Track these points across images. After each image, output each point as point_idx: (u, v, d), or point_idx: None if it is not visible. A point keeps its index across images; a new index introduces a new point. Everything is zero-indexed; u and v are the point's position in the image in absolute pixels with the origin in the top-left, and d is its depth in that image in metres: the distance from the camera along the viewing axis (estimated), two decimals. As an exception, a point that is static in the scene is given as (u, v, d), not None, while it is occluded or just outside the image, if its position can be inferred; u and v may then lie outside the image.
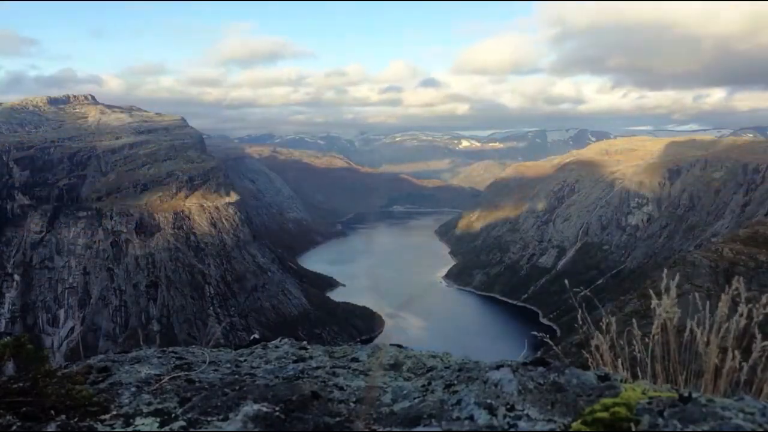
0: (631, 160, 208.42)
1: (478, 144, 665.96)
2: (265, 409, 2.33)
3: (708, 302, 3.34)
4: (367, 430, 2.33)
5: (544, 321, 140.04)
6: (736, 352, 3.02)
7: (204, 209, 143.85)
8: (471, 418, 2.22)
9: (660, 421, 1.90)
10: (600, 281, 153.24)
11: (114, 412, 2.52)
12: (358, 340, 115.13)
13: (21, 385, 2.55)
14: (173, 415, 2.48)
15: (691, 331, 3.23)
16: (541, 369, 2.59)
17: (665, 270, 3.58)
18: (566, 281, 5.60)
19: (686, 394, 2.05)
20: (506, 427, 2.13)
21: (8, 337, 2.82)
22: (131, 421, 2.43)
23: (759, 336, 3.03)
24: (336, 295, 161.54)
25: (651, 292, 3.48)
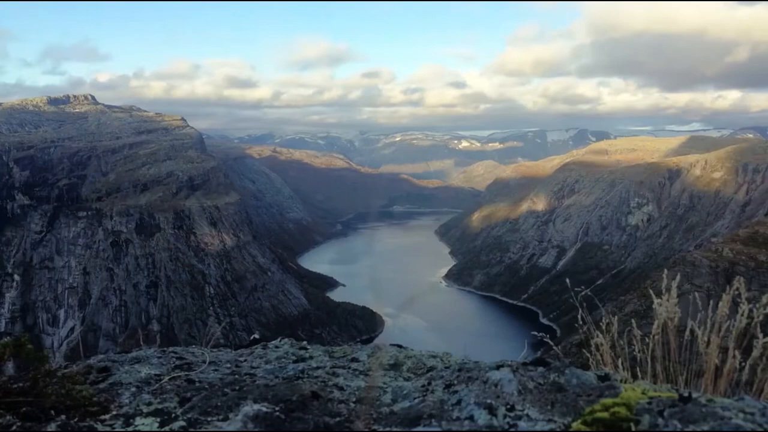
0: (631, 160, 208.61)
1: (478, 144, 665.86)
2: (265, 409, 2.33)
3: (709, 302, 3.35)
4: (367, 430, 2.33)
5: (544, 321, 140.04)
6: (737, 352, 3.02)
7: (204, 209, 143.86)
8: (471, 418, 2.21)
9: (660, 421, 1.89)
10: (600, 281, 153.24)
11: (114, 412, 2.52)
12: (358, 340, 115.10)
13: (21, 385, 2.55)
14: (173, 415, 2.47)
15: (692, 331, 3.23)
16: (541, 369, 2.59)
17: (665, 270, 3.58)
18: (567, 280, 5.57)
19: (686, 394, 2.05)
20: (506, 427, 2.12)
21: (8, 337, 2.82)
22: (131, 421, 2.43)
23: (760, 335, 3.03)
24: (336, 295, 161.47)
25: (651, 292, 3.48)
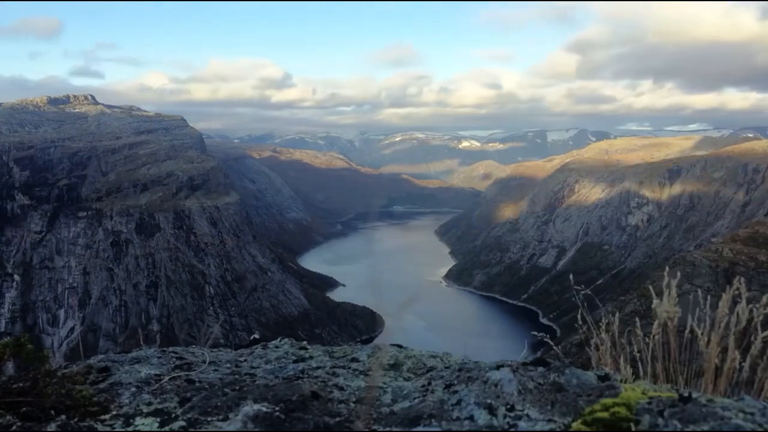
0: (631, 160, 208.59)
1: (478, 144, 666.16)
2: (265, 409, 2.33)
3: (708, 302, 3.34)
4: (367, 430, 2.32)
5: (544, 321, 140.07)
6: (737, 352, 3.02)
7: (204, 209, 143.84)
8: (471, 418, 2.21)
9: (660, 421, 1.90)
10: (600, 281, 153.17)
11: (114, 412, 2.52)
12: (358, 340, 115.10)
13: (21, 385, 2.55)
14: (173, 415, 2.47)
15: (692, 330, 3.23)
16: (541, 369, 2.59)
17: (667, 269, 3.58)
18: (571, 276, 5.58)
19: (686, 394, 2.05)
20: (506, 427, 2.12)
21: (8, 337, 2.82)
22: (131, 421, 2.43)
23: (760, 335, 3.03)
24: (336, 295, 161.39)
25: (651, 290, 3.48)
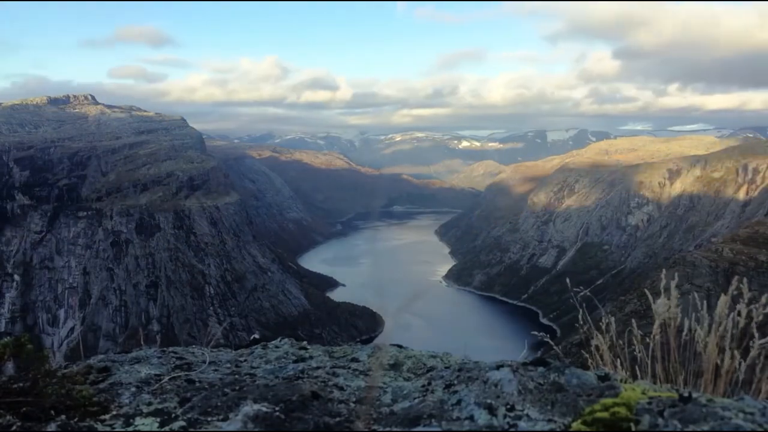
0: (631, 160, 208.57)
1: (478, 144, 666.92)
2: (265, 409, 2.33)
3: (706, 302, 3.34)
4: (367, 430, 2.33)
5: (544, 321, 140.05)
6: (736, 352, 3.02)
7: (204, 209, 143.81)
8: (471, 418, 2.22)
9: (660, 421, 1.90)
10: (600, 281, 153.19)
11: (114, 412, 2.52)
12: (358, 340, 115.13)
13: (21, 385, 2.55)
14: (173, 415, 2.48)
15: (691, 330, 3.23)
16: (541, 369, 2.59)
17: (663, 270, 3.58)
18: (567, 279, 5.58)
19: (686, 394, 2.06)
20: (506, 427, 2.13)
21: (8, 337, 2.82)
22: (131, 421, 2.43)
23: (757, 335, 3.03)
24: (336, 295, 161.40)
25: (647, 292, 3.48)
